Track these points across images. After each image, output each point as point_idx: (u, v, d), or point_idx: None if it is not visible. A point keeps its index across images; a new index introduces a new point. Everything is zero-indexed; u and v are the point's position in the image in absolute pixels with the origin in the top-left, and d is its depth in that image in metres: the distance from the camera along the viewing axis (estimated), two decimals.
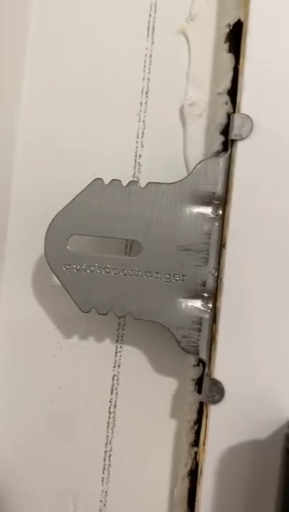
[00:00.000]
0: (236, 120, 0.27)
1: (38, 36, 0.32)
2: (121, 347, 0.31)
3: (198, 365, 0.30)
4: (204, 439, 0.27)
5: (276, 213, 0.27)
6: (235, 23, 0.30)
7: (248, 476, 0.27)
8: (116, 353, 0.31)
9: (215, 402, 0.27)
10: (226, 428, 0.27)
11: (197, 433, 0.30)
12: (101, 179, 0.28)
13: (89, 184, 0.28)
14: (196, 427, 0.30)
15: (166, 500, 0.31)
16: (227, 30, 0.30)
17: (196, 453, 0.30)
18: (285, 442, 0.23)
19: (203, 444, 0.27)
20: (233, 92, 0.29)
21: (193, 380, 0.30)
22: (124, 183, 0.28)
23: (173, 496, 0.31)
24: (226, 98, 0.30)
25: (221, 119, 0.30)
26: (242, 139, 0.27)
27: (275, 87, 0.27)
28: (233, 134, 0.27)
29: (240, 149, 0.27)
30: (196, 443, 0.30)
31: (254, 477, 0.27)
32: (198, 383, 0.30)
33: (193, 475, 0.30)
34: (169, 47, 0.31)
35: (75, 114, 0.31)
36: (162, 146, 0.31)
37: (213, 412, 0.27)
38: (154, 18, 0.31)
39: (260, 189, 0.27)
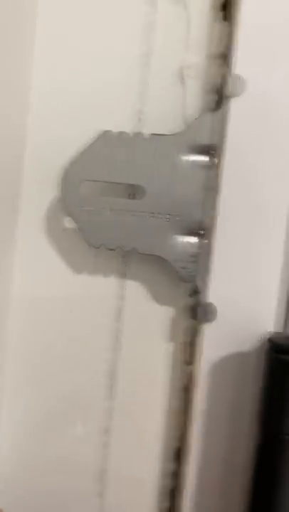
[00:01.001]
0: (230, 80, 0.31)
1: None
2: (125, 282, 0.36)
3: (192, 295, 0.35)
4: (199, 355, 0.32)
5: (264, 162, 0.31)
6: None
7: (237, 385, 0.32)
8: (121, 287, 0.36)
9: (208, 320, 0.32)
10: (218, 343, 0.32)
11: (191, 353, 0.35)
12: (110, 130, 0.32)
13: (99, 135, 0.32)
14: (189, 348, 0.35)
15: (165, 411, 0.36)
16: None
17: (190, 371, 0.35)
18: (268, 344, 0.28)
19: (198, 358, 0.32)
20: (227, 56, 0.33)
21: (188, 307, 0.35)
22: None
23: (170, 407, 0.36)
24: (221, 61, 0.34)
25: (216, 80, 0.34)
26: (235, 96, 0.31)
27: (266, 49, 0.31)
28: (227, 92, 0.31)
29: (234, 106, 0.31)
30: (190, 362, 0.35)
31: (241, 386, 0.32)
32: (193, 311, 0.35)
33: (187, 390, 0.35)
34: (169, 14, 0.34)
35: (84, 74, 0.35)
36: (162, 104, 0.35)
37: (207, 330, 0.32)
38: None
39: (251, 141, 0.31)
